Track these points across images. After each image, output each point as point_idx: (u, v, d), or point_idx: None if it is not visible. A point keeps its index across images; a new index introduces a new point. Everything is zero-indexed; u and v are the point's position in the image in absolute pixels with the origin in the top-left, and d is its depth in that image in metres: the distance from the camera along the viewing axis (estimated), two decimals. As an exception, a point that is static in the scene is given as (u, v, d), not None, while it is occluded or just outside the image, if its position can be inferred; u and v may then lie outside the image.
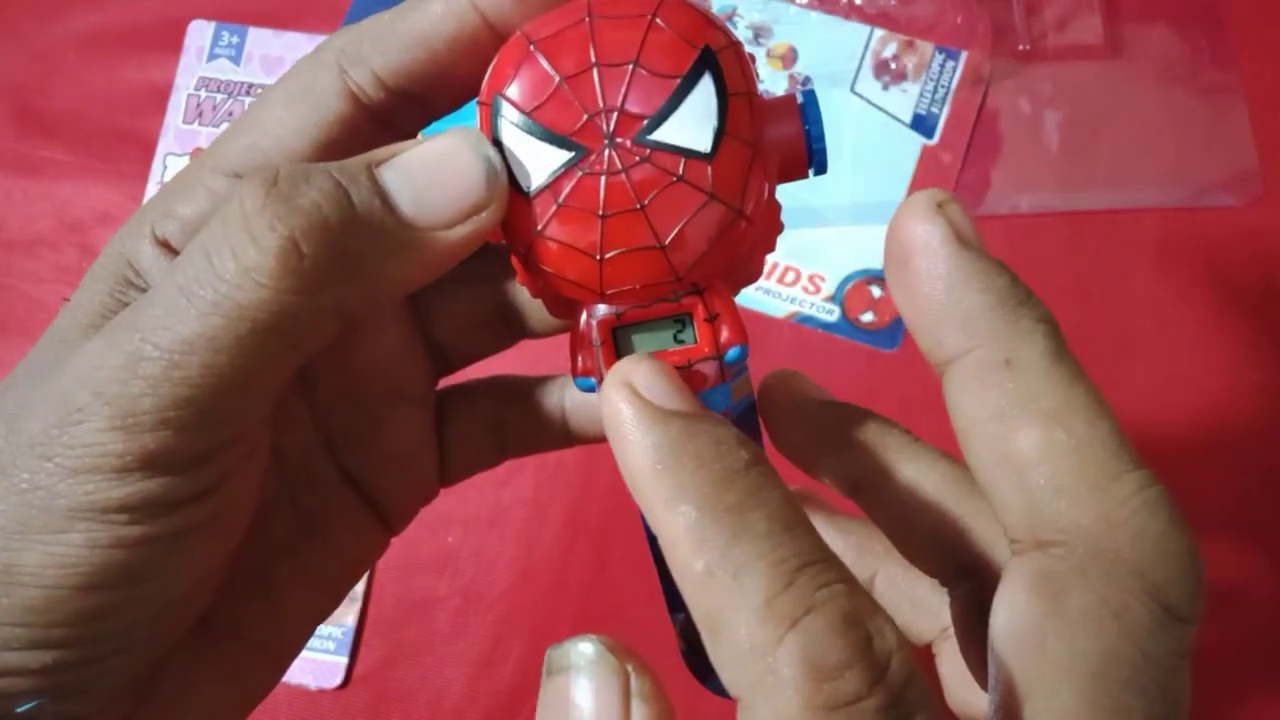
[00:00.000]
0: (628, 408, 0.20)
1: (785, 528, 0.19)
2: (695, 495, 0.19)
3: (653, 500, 0.19)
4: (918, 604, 0.31)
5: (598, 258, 0.23)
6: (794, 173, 0.24)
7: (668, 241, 0.23)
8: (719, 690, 0.30)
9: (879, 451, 0.26)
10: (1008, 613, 0.20)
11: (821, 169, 0.24)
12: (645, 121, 0.22)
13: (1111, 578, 0.19)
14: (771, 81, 0.62)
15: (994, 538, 0.24)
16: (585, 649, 0.21)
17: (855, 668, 0.17)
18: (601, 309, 0.24)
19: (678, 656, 0.30)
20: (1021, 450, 0.20)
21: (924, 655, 0.31)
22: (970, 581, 0.24)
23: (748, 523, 0.19)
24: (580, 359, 0.25)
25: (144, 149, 0.65)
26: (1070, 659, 0.18)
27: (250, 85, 0.66)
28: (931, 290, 0.21)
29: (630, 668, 0.21)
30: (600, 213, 0.22)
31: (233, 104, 0.65)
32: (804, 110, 0.24)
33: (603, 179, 0.22)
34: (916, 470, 0.25)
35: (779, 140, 0.24)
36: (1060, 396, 0.20)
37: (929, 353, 0.22)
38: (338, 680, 0.56)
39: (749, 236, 0.23)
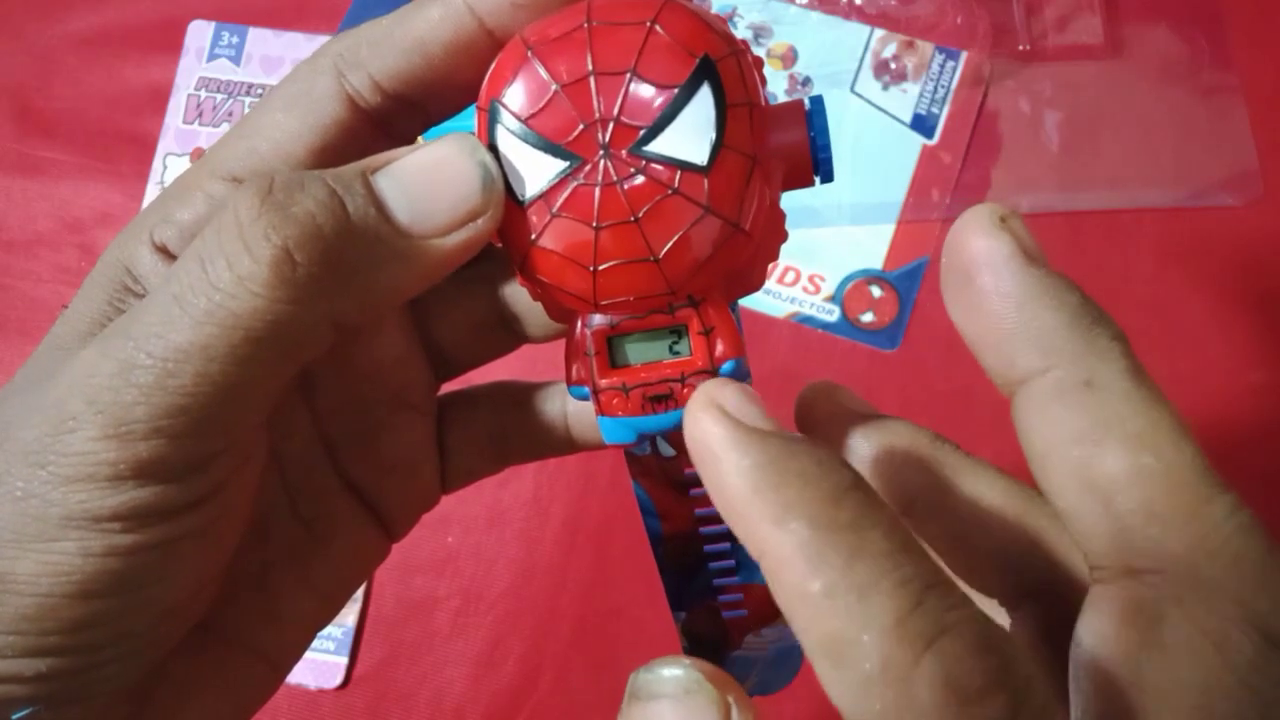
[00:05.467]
0: (719, 429, 0.19)
1: (903, 548, 0.18)
2: (805, 513, 0.18)
3: (756, 520, 0.18)
4: None
5: (591, 269, 0.23)
6: (799, 181, 0.24)
7: (662, 254, 0.22)
8: None
9: (934, 468, 0.25)
10: (1095, 643, 0.19)
11: (827, 178, 0.24)
12: (641, 132, 0.22)
13: (1210, 606, 0.18)
14: (772, 82, 0.62)
15: (1063, 558, 0.23)
16: (679, 675, 0.20)
17: (997, 693, 0.17)
18: (597, 318, 0.24)
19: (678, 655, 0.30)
20: (1108, 475, 0.19)
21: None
22: (1036, 603, 0.24)
23: (866, 541, 0.17)
24: (575, 368, 0.25)
25: (144, 149, 0.65)
26: (1170, 692, 0.18)
27: (250, 85, 0.65)
28: (1000, 308, 0.20)
29: (731, 699, 0.19)
30: (594, 224, 0.22)
31: (233, 104, 0.65)
32: (810, 118, 0.23)
33: (597, 190, 0.22)
34: (975, 488, 0.24)
35: (784, 148, 0.23)
36: (1145, 419, 0.19)
37: (997, 374, 0.21)
38: (338, 680, 0.56)
39: (747, 249, 0.23)
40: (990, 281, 0.20)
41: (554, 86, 0.22)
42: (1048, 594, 0.23)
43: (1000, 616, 0.25)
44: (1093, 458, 0.19)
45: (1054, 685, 0.20)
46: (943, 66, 0.61)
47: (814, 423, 0.27)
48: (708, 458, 0.20)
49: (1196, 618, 0.18)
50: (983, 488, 0.24)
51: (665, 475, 0.27)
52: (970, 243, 0.21)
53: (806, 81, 0.62)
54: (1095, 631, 0.19)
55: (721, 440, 0.19)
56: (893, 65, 0.62)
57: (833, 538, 0.18)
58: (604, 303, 0.23)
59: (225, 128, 0.65)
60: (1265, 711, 0.18)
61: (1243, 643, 0.18)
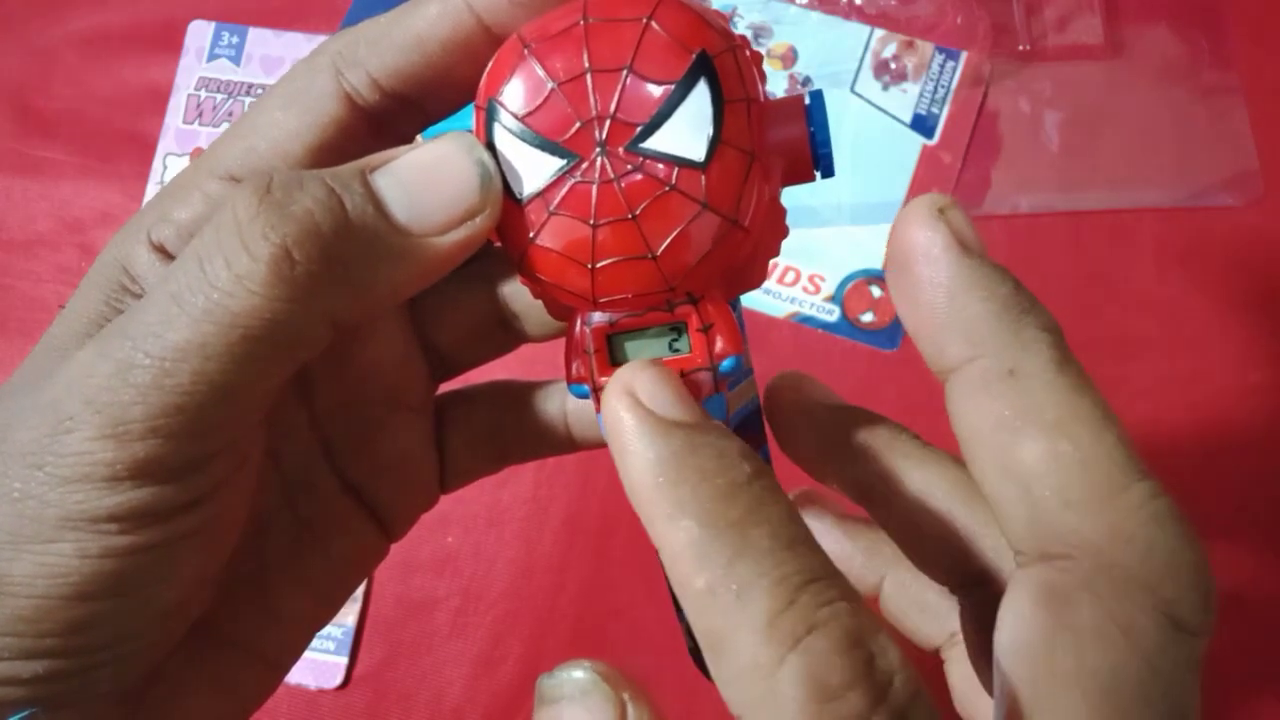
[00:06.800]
0: (629, 417, 0.20)
1: (788, 544, 0.18)
2: (697, 510, 0.18)
3: (653, 514, 0.19)
4: (926, 609, 0.30)
5: (590, 266, 0.23)
6: (799, 176, 0.24)
7: (660, 251, 0.22)
8: None
9: (888, 458, 0.25)
10: (1013, 626, 0.19)
11: (828, 173, 0.24)
12: (638, 129, 0.22)
13: (1119, 592, 0.18)
14: (771, 81, 0.62)
15: (1001, 548, 0.24)
16: (578, 677, 0.20)
17: (858, 688, 0.17)
18: (596, 316, 0.24)
19: (678, 654, 0.30)
20: (1026, 462, 0.19)
21: (933, 661, 0.30)
22: (979, 590, 0.24)
23: (750, 539, 0.18)
24: (574, 366, 0.25)
25: (144, 149, 0.65)
26: (1078, 674, 0.18)
27: (250, 85, 0.65)
28: (933, 298, 0.21)
29: (626, 696, 0.20)
30: (592, 221, 0.22)
31: (233, 104, 0.65)
32: (810, 113, 0.23)
33: (594, 187, 0.22)
34: (926, 478, 0.25)
35: (784, 143, 0.23)
36: (1065, 407, 0.19)
37: (931, 361, 0.21)
38: (338, 680, 0.56)
39: (746, 246, 0.23)
40: (925, 271, 0.21)
41: (550, 84, 0.22)
42: (990, 581, 0.24)
43: (954, 602, 0.26)
44: (1012, 445, 0.20)
45: (991, 670, 0.21)
46: (943, 66, 0.61)
47: (780, 414, 0.28)
48: (616, 447, 0.20)
49: (1106, 602, 0.18)
50: (933, 478, 0.25)
51: None
52: (909, 233, 0.21)
53: (806, 81, 0.62)
54: (1012, 615, 0.19)
55: (629, 430, 0.20)
56: (893, 65, 0.62)
57: (719, 536, 0.18)
58: (603, 300, 0.23)
59: (225, 128, 0.65)
60: (1170, 692, 0.18)
61: (1149, 627, 0.18)
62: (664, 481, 0.19)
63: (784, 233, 0.25)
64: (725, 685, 0.18)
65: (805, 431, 0.27)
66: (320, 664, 0.56)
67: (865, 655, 0.17)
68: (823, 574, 0.18)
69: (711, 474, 0.19)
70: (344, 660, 0.56)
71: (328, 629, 0.57)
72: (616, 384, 0.21)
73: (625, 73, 0.22)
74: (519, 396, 0.31)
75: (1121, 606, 0.18)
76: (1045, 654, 0.19)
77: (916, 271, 0.21)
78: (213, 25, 0.67)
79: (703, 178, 0.22)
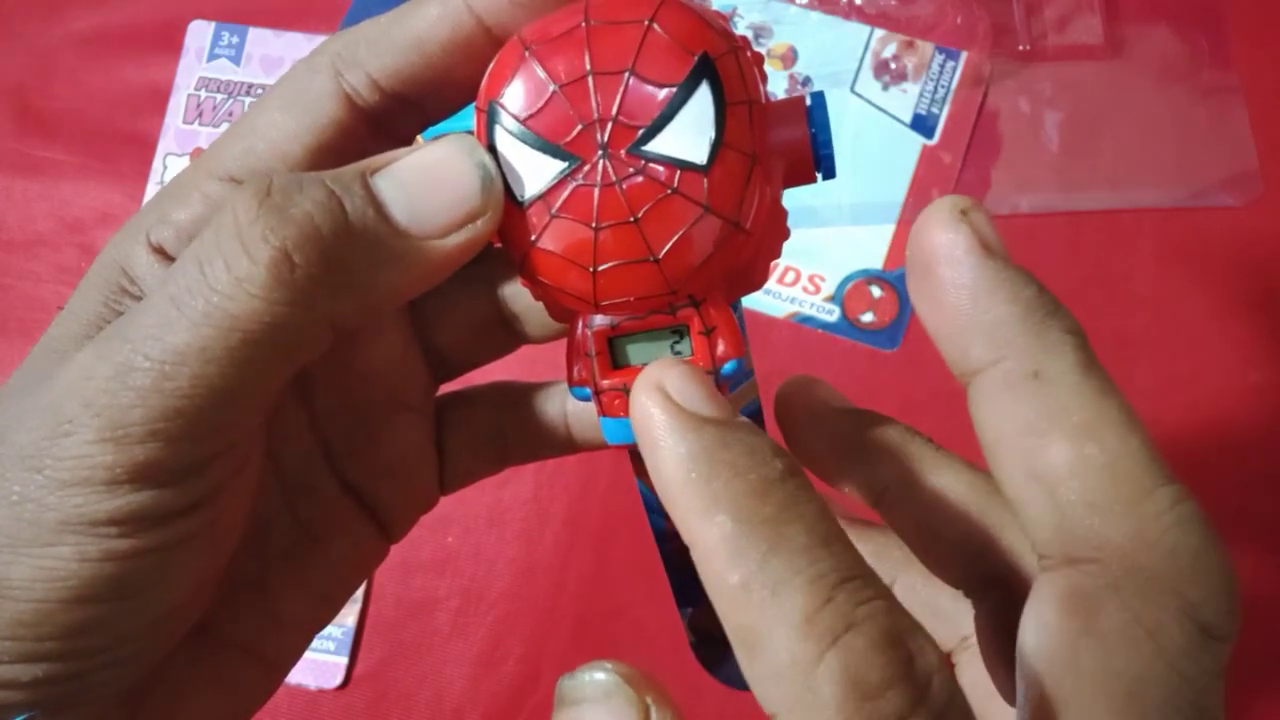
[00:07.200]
0: (660, 413, 0.20)
1: (823, 541, 0.18)
2: (730, 506, 0.18)
3: (686, 510, 0.19)
4: (937, 612, 0.30)
5: (591, 269, 0.22)
6: (801, 177, 0.24)
7: (662, 255, 0.22)
8: (728, 681, 0.30)
9: (903, 461, 0.25)
10: (1037, 630, 0.19)
11: (829, 174, 0.24)
12: (640, 132, 0.22)
13: (1146, 596, 0.18)
14: (772, 82, 0.62)
15: (1021, 550, 0.24)
16: (600, 679, 0.20)
17: (897, 687, 0.17)
18: (598, 319, 0.24)
19: (678, 654, 0.30)
20: (1052, 465, 0.19)
21: (943, 664, 0.30)
22: (996, 593, 0.24)
23: (785, 535, 0.18)
24: (576, 368, 0.24)
25: (144, 149, 0.65)
26: (1104, 679, 0.18)
27: (250, 85, 0.65)
28: (957, 300, 0.20)
29: (650, 699, 0.20)
30: (594, 224, 0.22)
31: (233, 104, 0.65)
32: (811, 114, 0.23)
33: (596, 190, 0.22)
34: (942, 480, 0.25)
35: (785, 144, 0.23)
36: (1091, 410, 0.19)
37: (953, 364, 0.21)
38: (338, 680, 0.56)
39: (747, 248, 0.23)
40: (948, 274, 0.21)
41: (552, 87, 0.22)
42: (1008, 584, 0.24)
43: (965, 605, 0.26)
44: (1038, 448, 0.19)
45: (1008, 674, 0.20)
46: (943, 66, 0.61)
47: (791, 418, 0.28)
48: (647, 442, 0.20)
49: (1132, 607, 0.18)
50: (949, 480, 0.25)
51: None
52: (931, 235, 0.21)
53: (806, 81, 0.62)
54: (1037, 619, 0.19)
55: (660, 425, 0.20)
56: (893, 65, 0.62)
57: (753, 532, 0.18)
58: (604, 303, 0.23)
59: (225, 128, 0.65)
60: (1196, 698, 0.18)
61: (1176, 632, 0.18)
62: (696, 476, 0.19)
63: (785, 234, 0.25)
64: (759, 683, 0.18)
65: (817, 435, 0.27)
66: (320, 664, 0.56)
67: (904, 654, 0.17)
68: (859, 572, 0.18)
69: (744, 470, 0.19)
70: (344, 660, 0.56)
71: (328, 629, 0.57)
72: (646, 380, 0.20)
73: (627, 75, 0.22)
74: (520, 397, 0.31)
75: (1147, 610, 0.18)
76: (1070, 658, 0.18)
77: (939, 274, 0.21)
78: (213, 25, 0.67)
79: (705, 181, 0.22)
